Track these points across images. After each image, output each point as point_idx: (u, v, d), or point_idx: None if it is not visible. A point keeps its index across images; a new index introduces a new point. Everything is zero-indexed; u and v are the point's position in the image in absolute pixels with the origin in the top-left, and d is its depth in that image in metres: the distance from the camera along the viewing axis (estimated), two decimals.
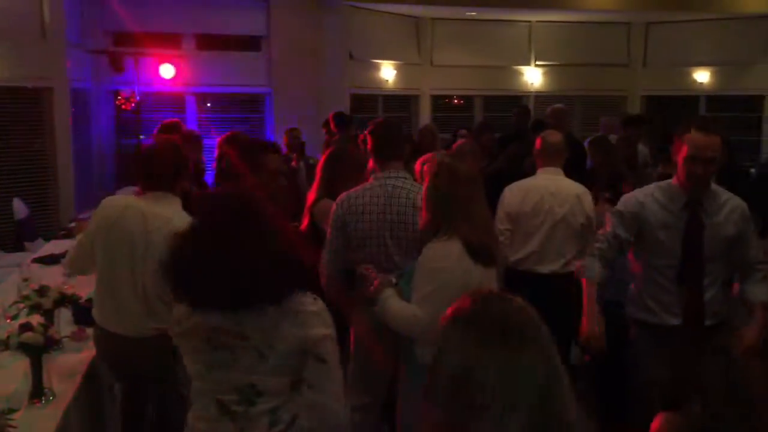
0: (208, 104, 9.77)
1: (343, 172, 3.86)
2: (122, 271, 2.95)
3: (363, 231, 3.28)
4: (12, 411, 2.34)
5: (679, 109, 11.93)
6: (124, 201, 3.08)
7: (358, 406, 3.32)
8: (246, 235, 1.93)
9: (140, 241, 2.91)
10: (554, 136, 4.31)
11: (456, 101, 12.13)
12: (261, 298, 1.91)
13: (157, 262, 2.06)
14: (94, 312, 3.08)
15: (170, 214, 2.89)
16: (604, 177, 5.12)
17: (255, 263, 1.90)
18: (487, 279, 2.76)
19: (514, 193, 4.14)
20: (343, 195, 3.38)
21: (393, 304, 2.76)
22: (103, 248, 2.99)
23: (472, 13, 11.01)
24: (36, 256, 4.86)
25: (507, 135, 7.36)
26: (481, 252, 2.70)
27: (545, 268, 4.04)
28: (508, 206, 4.10)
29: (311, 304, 2.00)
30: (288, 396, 2.01)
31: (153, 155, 3.10)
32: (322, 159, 4.18)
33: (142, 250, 2.90)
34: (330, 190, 3.80)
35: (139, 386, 3.17)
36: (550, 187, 4.09)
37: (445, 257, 2.66)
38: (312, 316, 1.98)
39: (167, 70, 8.61)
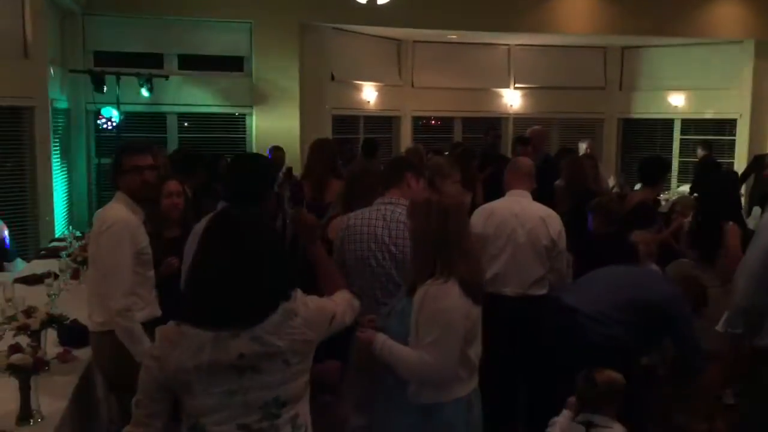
0: (185, 124, 9.77)
1: (359, 193, 3.82)
2: None
3: (355, 252, 3.31)
4: None
5: (655, 131, 12.18)
6: None
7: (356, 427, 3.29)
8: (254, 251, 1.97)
9: None
10: (523, 160, 4.47)
11: (436, 122, 12.25)
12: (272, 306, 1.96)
13: None
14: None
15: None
16: (569, 196, 5.20)
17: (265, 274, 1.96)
18: (479, 316, 2.77)
19: (479, 215, 4.15)
20: (343, 218, 3.44)
21: (396, 349, 2.69)
22: None
23: (453, 37, 11.16)
24: (18, 276, 4.82)
25: (484, 155, 7.50)
26: (477, 291, 2.70)
27: (511, 290, 4.03)
28: (473, 228, 4.09)
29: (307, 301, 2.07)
30: (304, 399, 2.06)
31: None
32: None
33: None
34: (347, 209, 3.82)
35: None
36: (514, 209, 4.10)
37: (446, 298, 2.62)
38: (312, 314, 2.05)
39: (148, 90, 8.60)
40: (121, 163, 3.35)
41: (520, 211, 4.08)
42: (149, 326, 3.25)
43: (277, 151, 7.99)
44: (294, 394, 2.01)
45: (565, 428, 3.04)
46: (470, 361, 2.74)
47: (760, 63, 11.09)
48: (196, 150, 6.71)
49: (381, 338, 2.70)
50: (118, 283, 3.14)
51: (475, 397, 2.82)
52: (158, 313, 3.35)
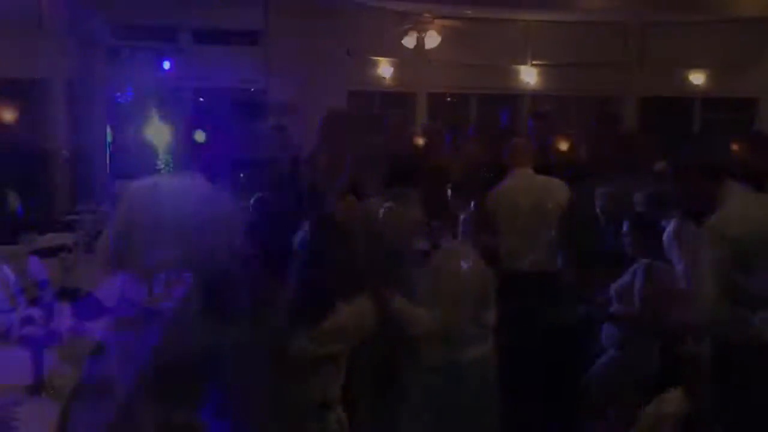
0: (201, 99, 9.78)
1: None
2: None
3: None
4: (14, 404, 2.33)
5: (674, 110, 11.99)
6: None
7: None
8: None
9: None
10: (520, 141, 4.76)
11: (451, 99, 12.14)
12: None
13: None
14: None
15: None
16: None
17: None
18: (492, 281, 2.90)
19: (489, 197, 4.29)
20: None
21: (409, 308, 2.82)
22: None
23: (468, 12, 10.99)
24: (33, 248, 4.82)
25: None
26: (491, 256, 2.90)
27: (526, 265, 4.15)
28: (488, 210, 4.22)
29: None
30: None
31: None
32: None
33: None
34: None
35: None
36: (520, 185, 4.30)
37: (461, 258, 2.81)
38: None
39: (164, 64, 8.57)
40: None
41: (525, 186, 4.26)
42: None
43: None
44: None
45: None
46: (483, 321, 2.83)
47: None
48: None
49: (398, 298, 2.81)
50: None
51: (492, 359, 2.91)
52: None
